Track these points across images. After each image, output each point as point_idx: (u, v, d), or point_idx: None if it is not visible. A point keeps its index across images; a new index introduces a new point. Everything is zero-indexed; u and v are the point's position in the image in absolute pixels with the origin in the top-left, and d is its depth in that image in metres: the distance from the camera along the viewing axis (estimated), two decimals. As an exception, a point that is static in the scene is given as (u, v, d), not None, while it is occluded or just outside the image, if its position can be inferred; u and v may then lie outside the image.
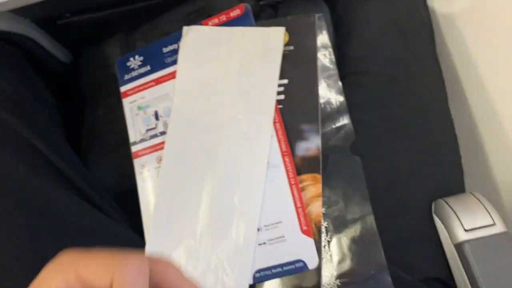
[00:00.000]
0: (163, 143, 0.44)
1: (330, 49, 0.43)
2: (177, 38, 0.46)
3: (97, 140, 0.53)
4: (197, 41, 0.45)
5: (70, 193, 0.39)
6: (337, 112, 0.43)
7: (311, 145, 0.42)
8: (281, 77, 0.43)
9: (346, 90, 0.43)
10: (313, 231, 0.40)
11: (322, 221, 0.41)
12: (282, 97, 0.42)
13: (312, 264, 0.39)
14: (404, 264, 0.41)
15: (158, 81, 0.46)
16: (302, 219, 0.40)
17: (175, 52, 0.46)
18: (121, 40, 0.54)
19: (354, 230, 0.40)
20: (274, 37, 0.43)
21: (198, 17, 0.50)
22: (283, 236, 0.39)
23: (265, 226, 0.40)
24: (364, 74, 0.44)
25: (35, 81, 0.51)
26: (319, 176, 0.42)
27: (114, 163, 0.50)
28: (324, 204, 0.41)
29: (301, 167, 0.41)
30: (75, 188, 0.40)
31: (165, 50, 0.47)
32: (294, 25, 0.43)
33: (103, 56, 0.53)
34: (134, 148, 0.46)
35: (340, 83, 0.43)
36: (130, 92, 0.47)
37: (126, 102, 0.47)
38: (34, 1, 0.43)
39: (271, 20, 0.43)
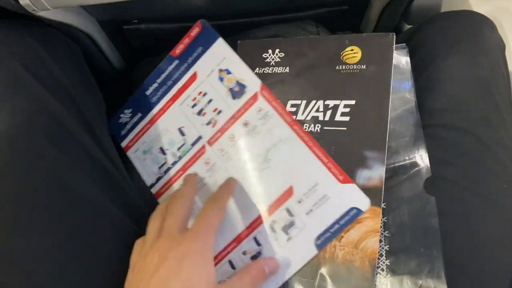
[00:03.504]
0: (179, 171, 0.44)
1: (410, 76, 0.41)
2: (156, 76, 0.47)
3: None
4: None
5: (116, 207, 0.38)
6: (412, 144, 0.38)
7: (374, 174, 0.37)
8: (348, 97, 0.40)
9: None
10: (366, 269, 0.34)
11: (384, 259, 0.34)
12: (347, 118, 0.39)
13: (364, 206, 0.36)
14: None
15: (152, 122, 0.46)
16: (334, 170, 0.38)
17: (159, 87, 0.46)
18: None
19: (419, 276, 0.33)
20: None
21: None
22: (325, 195, 0.38)
23: (304, 194, 0.38)
24: (446, 128, 0.41)
25: (90, 79, 0.50)
26: (379, 210, 0.36)
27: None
28: (387, 241, 0.35)
29: (360, 196, 0.37)
30: (122, 199, 0.39)
31: (148, 92, 0.47)
32: (369, 43, 0.40)
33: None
34: (154, 190, 0.45)
35: (418, 114, 0.39)
36: (131, 144, 0.47)
37: (131, 153, 0.47)
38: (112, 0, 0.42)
39: (345, 36, 0.41)
